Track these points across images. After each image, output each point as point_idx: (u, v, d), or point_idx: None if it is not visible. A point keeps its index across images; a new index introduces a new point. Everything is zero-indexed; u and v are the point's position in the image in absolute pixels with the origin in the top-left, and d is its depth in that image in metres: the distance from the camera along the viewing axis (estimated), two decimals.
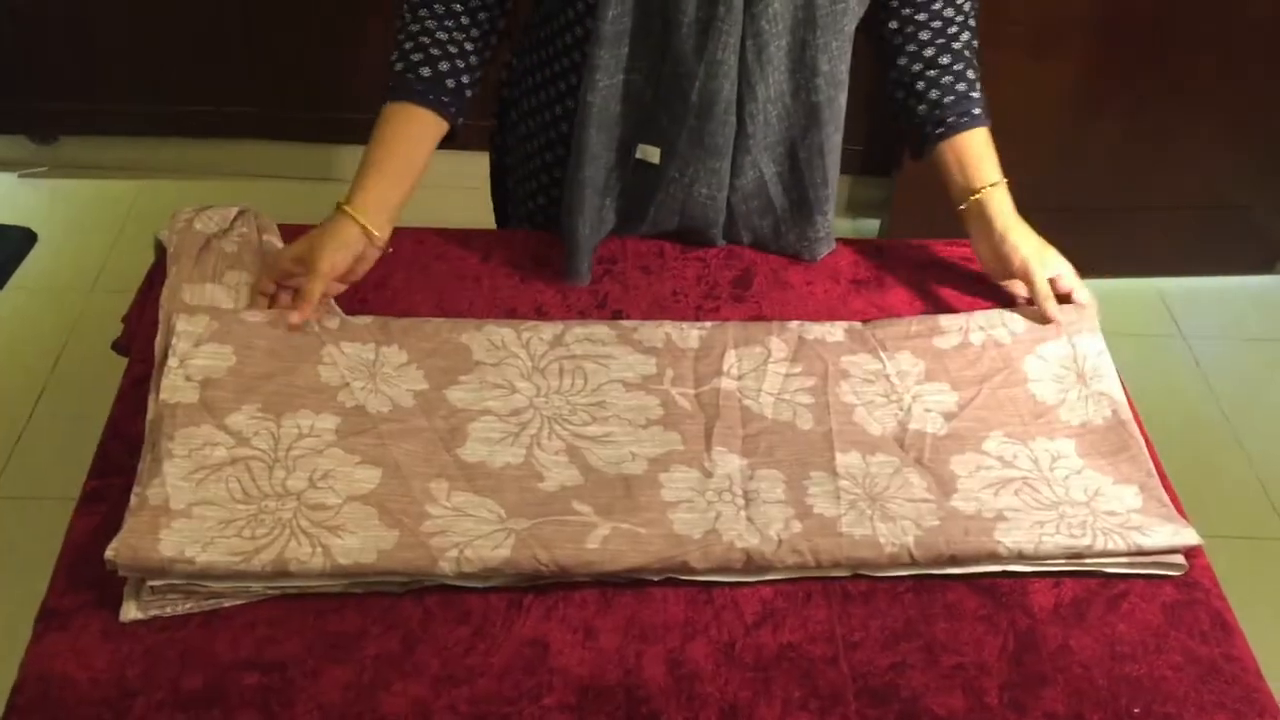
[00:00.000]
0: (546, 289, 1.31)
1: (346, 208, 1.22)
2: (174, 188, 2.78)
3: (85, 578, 0.98)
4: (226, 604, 0.97)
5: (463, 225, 1.40)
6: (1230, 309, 2.77)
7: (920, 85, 1.33)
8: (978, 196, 1.31)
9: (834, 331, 1.26)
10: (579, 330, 1.23)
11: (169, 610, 0.96)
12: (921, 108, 1.33)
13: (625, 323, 1.25)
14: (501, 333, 1.21)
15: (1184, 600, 1.06)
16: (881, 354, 1.23)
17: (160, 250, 1.28)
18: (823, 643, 0.99)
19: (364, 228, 1.22)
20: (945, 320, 1.28)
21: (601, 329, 1.24)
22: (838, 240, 1.41)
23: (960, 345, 1.25)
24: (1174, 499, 1.14)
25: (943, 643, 1.00)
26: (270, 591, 0.98)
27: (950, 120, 1.32)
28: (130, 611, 0.96)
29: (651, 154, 1.28)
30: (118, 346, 1.30)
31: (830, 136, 1.30)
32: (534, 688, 0.94)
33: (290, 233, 1.30)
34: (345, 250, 1.21)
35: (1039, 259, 1.28)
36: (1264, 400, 2.55)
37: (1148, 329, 2.67)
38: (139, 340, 1.22)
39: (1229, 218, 2.75)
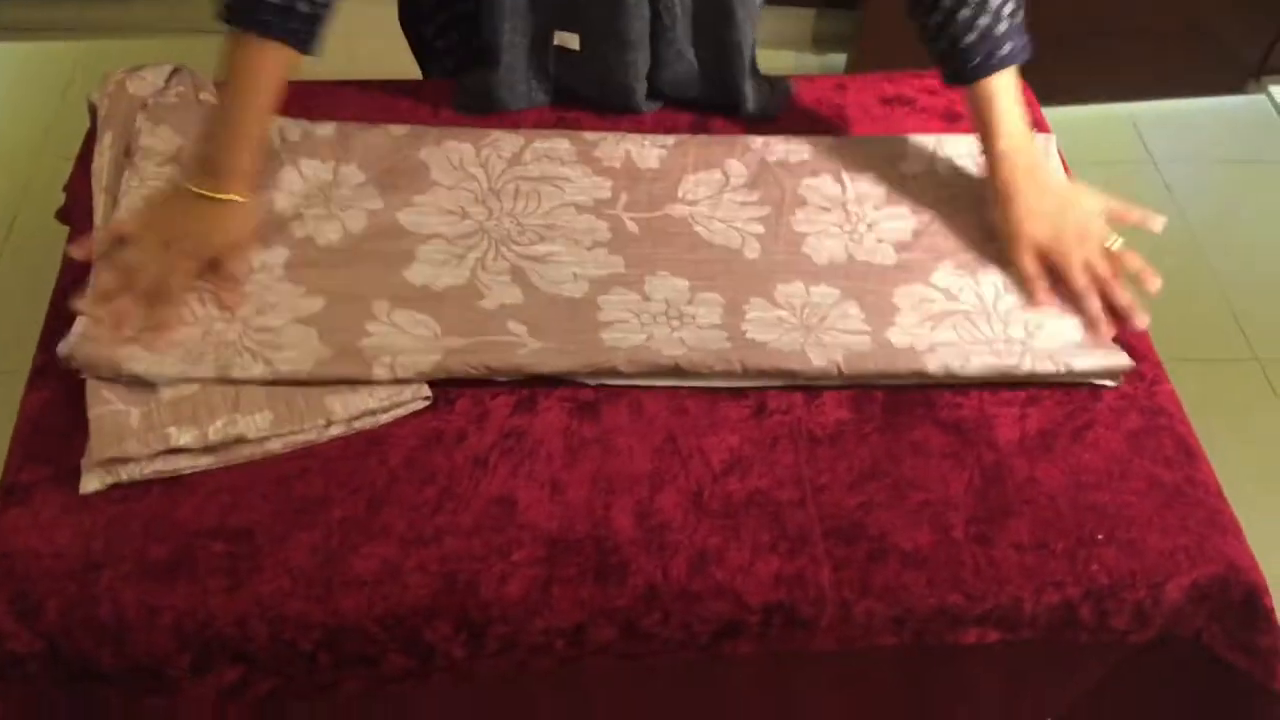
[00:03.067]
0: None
1: (230, 195, 1.07)
2: (117, 47, 2.67)
3: (42, 452, 0.97)
4: (186, 471, 0.96)
5: (383, 75, 1.36)
6: (1202, 132, 2.74)
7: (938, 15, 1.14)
8: (987, 158, 1.16)
9: (799, 150, 1.25)
10: (539, 146, 1.23)
11: (126, 477, 0.95)
12: (941, 43, 1.15)
13: (587, 135, 1.25)
14: (461, 149, 1.22)
15: (1148, 427, 1.06)
16: (844, 175, 1.23)
17: (95, 114, 1.23)
18: (790, 486, 0.99)
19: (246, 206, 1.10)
20: (914, 145, 1.27)
21: (562, 144, 1.24)
22: (798, 78, 1.36)
23: (926, 172, 1.24)
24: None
25: (909, 480, 1.00)
26: (228, 459, 0.98)
27: (976, 63, 1.13)
28: (90, 483, 0.95)
29: (570, 40, 1.23)
30: (61, 216, 1.27)
31: (747, 34, 1.25)
32: (503, 544, 0.94)
33: None
34: (247, 237, 1.10)
35: (1020, 240, 1.13)
36: (1233, 222, 2.54)
37: (1119, 155, 2.64)
38: (79, 210, 1.18)
39: (1200, 39, 2.69)
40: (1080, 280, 1.12)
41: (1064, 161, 1.27)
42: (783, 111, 1.33)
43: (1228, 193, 2.61)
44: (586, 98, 1.30)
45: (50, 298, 1.11)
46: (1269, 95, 2.78)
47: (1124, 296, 1.12)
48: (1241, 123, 2.77)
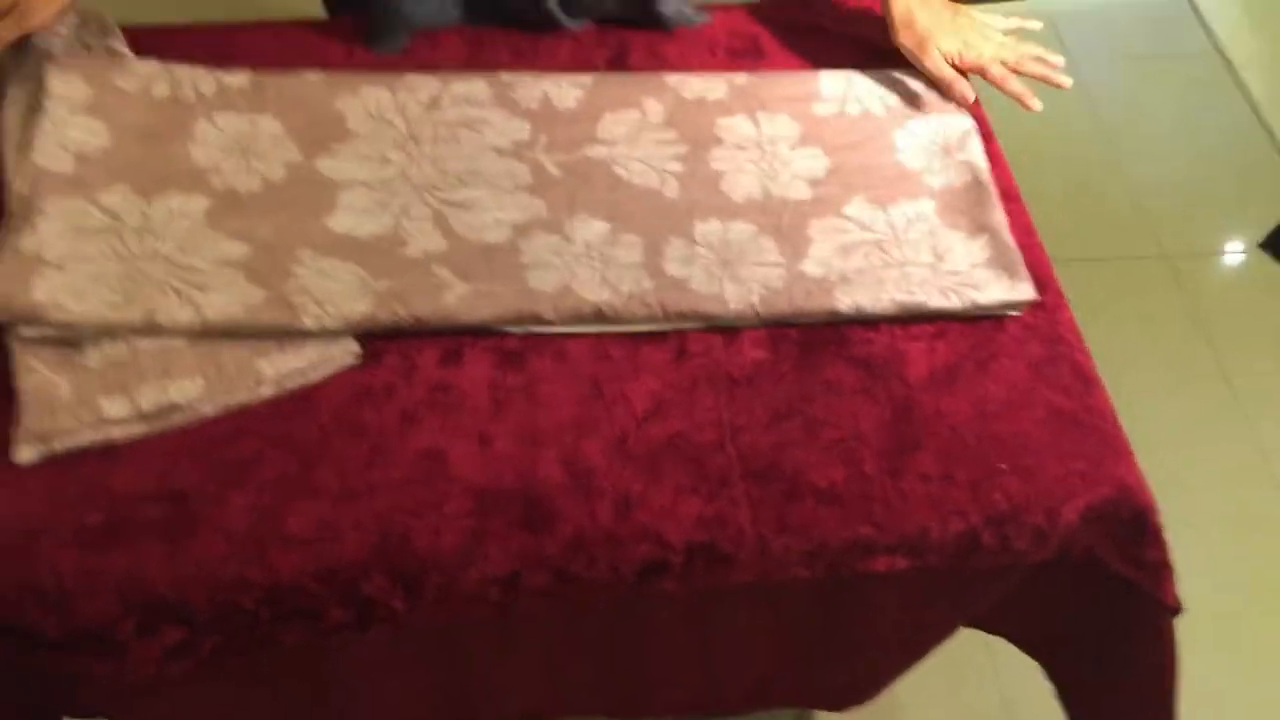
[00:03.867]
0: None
1: None
2: None
3: None
4: (119, 439, 0.98)
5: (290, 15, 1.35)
6: (1117, 27, 2.77)
7: None
8: None
9: (715, 88, 1.27)
10: (457, 89, 1.23)
11: (60, 447, 0.97)
12: None
13: (504, 76, 1.25)
14: (377, 94, 1.22)
15: (1049, 356, 1.11)
16: (759, 115, 1.25)
17: None
18: (709, 429, 1.03)
19: None
20: (826, 85, 1.29)
21: (479, 86, 1.24)
22: (716, 6, 1.37)
23: (837, 114, 1.26)
24: (1035, 247, 1.19)
25: (822, 419, 1.05)
26: (161, 425, 0.99)
27: None
28: (23, 454, 0.96)
29: None
30: None
31: None
32: (434, 498, 0.97)
33: (140, 38, 1.23)
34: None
35: (927, 48, 1.26)
36: (1144, 119, 2.60)
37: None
38: None
39: None
40: (996, 70, 1.25)
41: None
42: (702, 22, 1.34)
43: (1141, 88, 2.66)
44: (501, 11, 1.30)
45: None
46: None
47: (1021, 82, 1.25)
48: (1156, 17, 2.81)
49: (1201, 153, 2.53)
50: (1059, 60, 1.26)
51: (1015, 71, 1.25)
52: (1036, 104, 1.23)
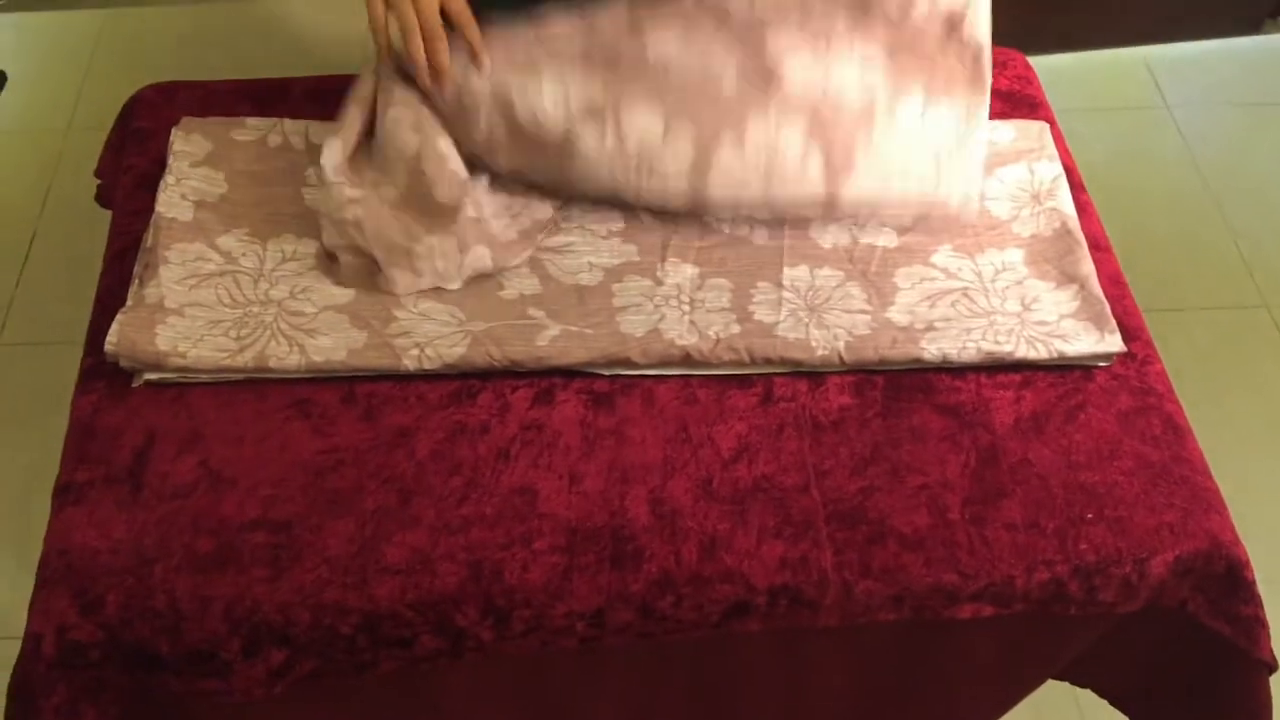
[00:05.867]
0: None
1: None
2: (140, 15, 2.71)
3: (93, 453, 1.04)
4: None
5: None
6: (1216, 74, 2.73)
7: None
8: None
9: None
10: None
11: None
12: None
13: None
14: None
15: (1138, 407, 1.11)
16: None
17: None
18: (794, 472, 1.05)
19: None
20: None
21: None
22: None
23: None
24: (1125, 297, 1.19)
25: (908, 464, 1.06)
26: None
27: None
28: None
29: None
30: (100, 200, 1.34)
31: None
32: (525, 533, 1.00)
33: (254, 88, 1.30)
34: None
35: None
36: (1245, 165, 2.55)
37: (1132, 101, 2.64)
38: (119, 197, 1.25)
39: None
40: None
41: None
42: None
43: (1241, 137, 2.62)
44: None
45: (95, 296, 1.17)
46: None
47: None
48: (1257, 64, 2.76)
49: None
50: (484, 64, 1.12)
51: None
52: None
